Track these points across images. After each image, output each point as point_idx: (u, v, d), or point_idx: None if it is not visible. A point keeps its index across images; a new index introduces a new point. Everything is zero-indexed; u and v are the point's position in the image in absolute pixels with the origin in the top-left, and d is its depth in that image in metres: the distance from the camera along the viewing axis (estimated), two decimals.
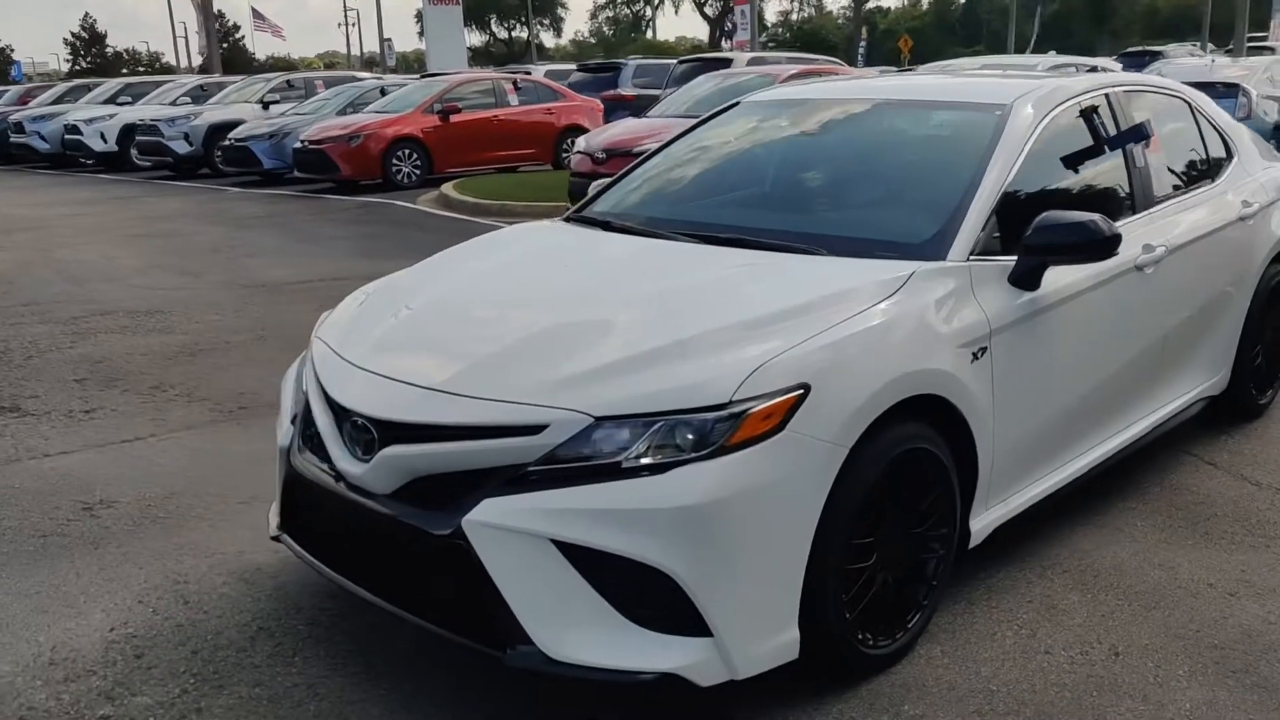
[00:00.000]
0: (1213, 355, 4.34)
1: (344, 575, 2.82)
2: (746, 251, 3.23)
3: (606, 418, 2.45)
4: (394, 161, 15.12)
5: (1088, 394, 3.52)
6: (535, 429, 2.47)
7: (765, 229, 3.39)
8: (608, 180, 4.24)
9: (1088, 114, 3.75)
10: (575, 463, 2.44)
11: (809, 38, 57.33)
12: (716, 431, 2.42)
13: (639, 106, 18.06)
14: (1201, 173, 4.37)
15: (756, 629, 2.50)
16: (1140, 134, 3.81)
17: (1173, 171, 4.16)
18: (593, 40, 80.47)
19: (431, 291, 3.32)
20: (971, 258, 3.07)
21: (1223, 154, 4.56)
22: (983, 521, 3.14)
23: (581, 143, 11.13)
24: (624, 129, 11.02)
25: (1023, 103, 3.56)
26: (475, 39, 59.84)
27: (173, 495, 4.14)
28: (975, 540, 3.11)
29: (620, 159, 10.41)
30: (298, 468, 2.93)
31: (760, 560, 2.48)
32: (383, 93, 17.78)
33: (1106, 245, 3.09)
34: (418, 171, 15.28)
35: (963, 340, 2.93)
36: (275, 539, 3.12)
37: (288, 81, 21.68)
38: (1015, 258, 3.14)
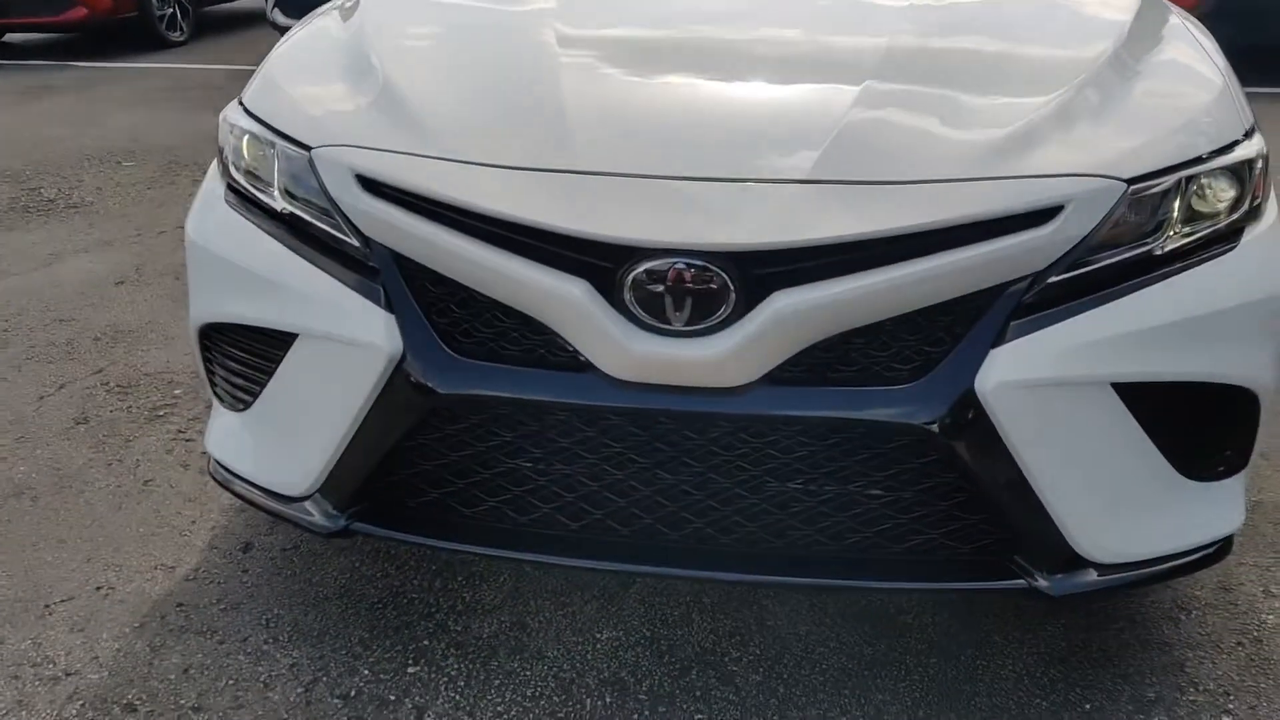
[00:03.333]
0: None
1: (629, 560, 1.72)
2: None
3: (1141, 179, 1.63)
4: None
5: None
6: (1044, 215, 1.58)
7: None
8: None
9: None
10: (1108, 258, 1.63)
11: None
12: (1253, 175, 1.76)
13: None
14: None
15: None
16: None
17: None
18: None
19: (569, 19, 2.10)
20: None
21: None
22: None
23: None
24: None
25: None
26: None
27: None
28: None
29: None
30: (459, 388, 1.64)
31: None
32: None
33: None
34: None
35: None
36: (341, 534, 1.80)
37: None
38: None
